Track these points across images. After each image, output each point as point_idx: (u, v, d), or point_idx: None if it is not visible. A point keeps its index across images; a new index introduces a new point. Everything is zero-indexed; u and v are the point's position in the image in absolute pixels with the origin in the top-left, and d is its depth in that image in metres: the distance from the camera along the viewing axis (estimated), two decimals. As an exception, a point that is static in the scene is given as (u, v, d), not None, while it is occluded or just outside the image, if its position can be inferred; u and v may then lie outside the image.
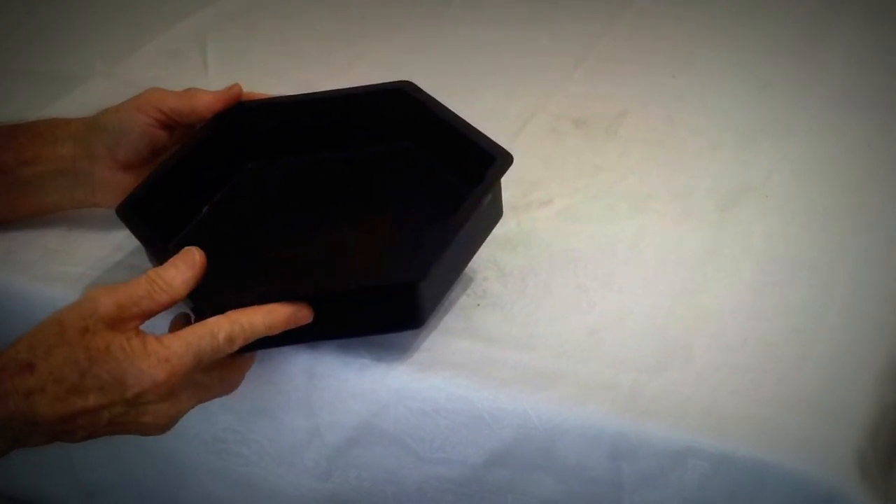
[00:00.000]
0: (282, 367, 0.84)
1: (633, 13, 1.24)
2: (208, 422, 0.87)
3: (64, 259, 0.92)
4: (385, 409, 0.82)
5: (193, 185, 0.90)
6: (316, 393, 0.83)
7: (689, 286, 0.86)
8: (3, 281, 0.91)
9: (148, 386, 0.71)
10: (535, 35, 1.21)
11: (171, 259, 0.76)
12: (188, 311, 0.77)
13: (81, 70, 1.18)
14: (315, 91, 0.94)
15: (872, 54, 1.14)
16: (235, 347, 0.74)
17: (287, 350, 0.82)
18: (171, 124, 0.90)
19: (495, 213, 0.86)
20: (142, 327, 0.73)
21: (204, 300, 0.75)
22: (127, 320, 0.72)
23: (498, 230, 0.87)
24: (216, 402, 0.78)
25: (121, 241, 0.92)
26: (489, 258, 0.89)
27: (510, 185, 0.88)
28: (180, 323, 0.76)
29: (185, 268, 0.75)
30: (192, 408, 0.75)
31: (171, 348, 0.71)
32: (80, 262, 0.92)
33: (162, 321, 0.76)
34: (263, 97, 0.93)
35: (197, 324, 0.73)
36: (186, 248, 0.76)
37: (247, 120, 0.92)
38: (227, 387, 0.78)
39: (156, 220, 0.84)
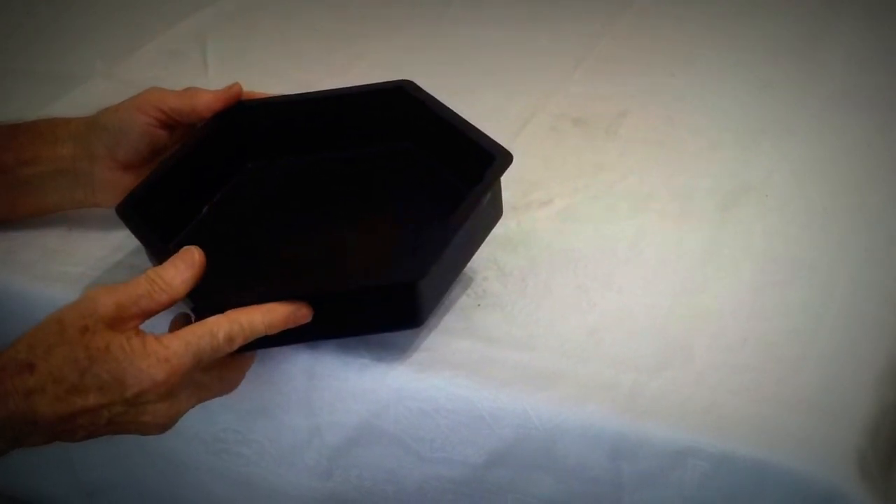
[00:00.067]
0: (282, 367, 0.84)
1: (633, 13, 1.24)
2: (208, 422, 0.87)
3: (64, 259, 0.92)
4: (385, 409, 0.82)
5: (193, 185, 0.90)
6: (316, 393, 0.83)
7: (689, 286, 0.86)
8: (3, 281, 0.91)
9: (147, 385, 0.71)
10: (535, 35, 1.21)
11: (171, 258, 0.76)
12: (188, 312, 0.77)
13: (81, 70, 1.18)
14: (315, 90, 0.94)
15: (872, 54, 1.14)
16: (235, 347, 0.74)
17: (287, 350, 0.82)
18: (172, 124, 0.90)
19: (495, 213, 0.86)
20: (142, 327, 0.73)
21: (204, 300, 0.75)
22: (126, 320, 0.72)
23: (498, 230, 0.87)
24: (216, 401, 0.78)
25: (121, 242, 0.92)
26: (489, 258, 0.89)
27: (510, 184, 0.88)
28: (180, 323, 0.76)
29: (184, 267, 0.75)
30: (192, 407, 0.75)
31: (170, 348, 0.71)
32: (80, 262, 0.92)
33: (162, 321, 0.76)
34: (263, 97, 0.93)
35: (196, 323, 0.73)
36: (186, 247, 0.76)
37: (247, 119, 0.92)
38: (227, 386, 0.78)
39: (156, 219, 0.84)
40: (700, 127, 1.04)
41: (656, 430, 0.76)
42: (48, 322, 0.72)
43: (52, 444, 0.72)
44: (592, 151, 1.02)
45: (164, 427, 0.74)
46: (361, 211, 0.90)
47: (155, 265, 0.76)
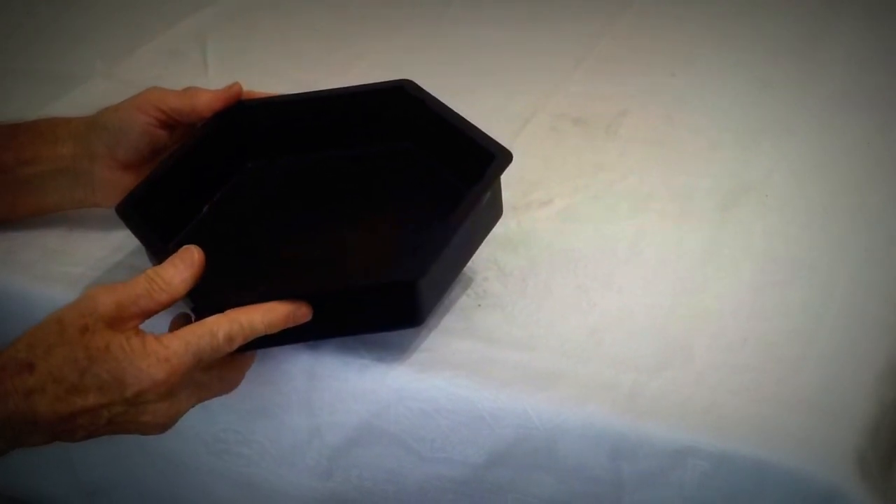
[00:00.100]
0: (282, 367, 0.84)
1: (633, 13, 1.24)
2: (209, 422, 0.87)
3: (64, 259, 0.92)
4: (386, 409, 0.82)
5: (193, 185, 0.90)
6: (317, 393, 0.83)
7: (689, 286, 0.86)
8: (4, 281, 0.91)
9: (147, 385, 0.71)
10: (535, 35, 1.21)
11: (170, 258, 0.76)
12: (188, 311, 0.77)
13: (81, 70, 1.18)
14: (315, 90, 0.94)
15: (872, 54, 1.14)
16: (235, 346, 0.74)
17: (288, 350, 0.82)
18: (172, 123, 0.90)
19: (495, 212, 0.86)
20: (142, 328, 0.73)
21: (204, 299, 0.75)
22: (126, 319, 0.72)
23: (498, 230, 0.87)
24: (217, 401, 0.78)
25: (121, 242, 0.92)
26: (489, 258, 0.89)
27: (510, 184, 0.88)
28: (180, 323, 0.76)
29: (183, 266, 0.75)
30: (192, 407, 0.75)
31: (170, 348, 0.71)
32: (81, 263, 0.92)
33: (162, 321, 0.76)
34: (263, 96, 0.93)
35: (196, 323, 0.73)
36: (185, 246, 0.76)
37: (247, 119, 0.92)
38: (227, 386, 0.78)
39: (156, 219, 0.84)
40: (700, 127, 1.04)
41: (656, 429, 0.76)
42: (48, 322, 0.72)
43: (52, 444, 0.72)
44: (592, 151, 1.02)
45: (164, 427, 0.74)
46: (362, 210, 0.90)
47: (155, 265, 0.76)
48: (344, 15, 1.28)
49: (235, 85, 0.91)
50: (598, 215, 0.94)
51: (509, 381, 0.79)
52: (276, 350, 0.81)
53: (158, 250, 0.80)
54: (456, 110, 0.89)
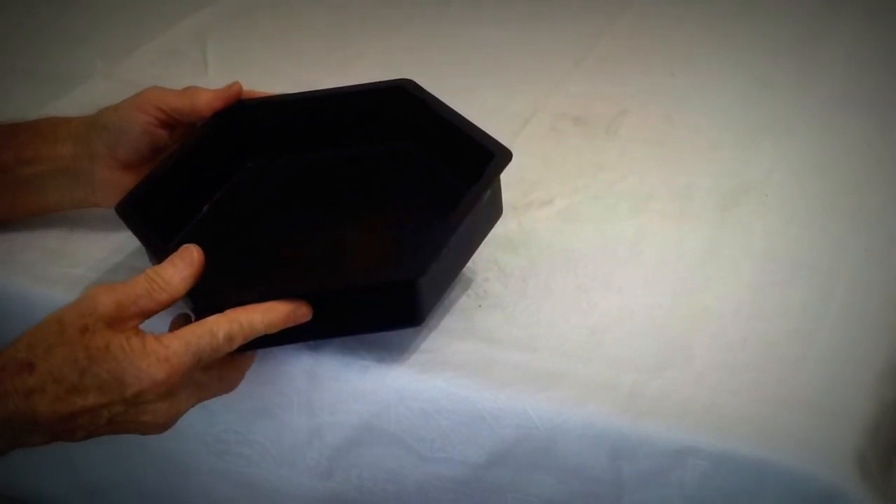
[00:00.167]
0: (283, 368, 0.84)
1: (633, 13, 1.24)
2: (209, 422, 0.87)
3: (64, 260, 0.92)
4: (386, 410, 0.82)
5: (193, 184, 0.90)
6: (317, 394, 0.83)
7: (689, 286, 0.86)
8: (4, 282, 0.91)
9: (147, 385, 0.71)
10: (535, 35, 1.21)
11: (170, 257, 0.76)
12: (188, 312, 0.77)
13: (81, 70, 1.18)
14: (315, 89, 0.94)
15: (872, 54, 1.14)
16: (235, 346, 0.74)
17: (288, 351, 0.82)
18: (172, 123, 0.90)
19: (495, 211, 0.86)
20: (142, 328, 0.73)
21: (203, 299, 0.75)
22: (126, 319, 0.72)
23: (499, 230, 0.87)
24: (217, 402, 0.78)
25: (122, 243, 0.92)
26: (490, 258, 0.89)
27: (511, 184, 0.88)
28: (180, 323, 0.76)
29: (183, 266, 0.75)
30: (192, 407, 0.75)
31: (170, 347, 0.71)
32: (81, 264, 0.92)
33: (162, 321, 0.76)
34: (263, 96, 0.93)
35: (196, 323, 0.73)
36: (184, 245, 0.76)
37: (247, 118, 0.92)
38: (227, 386, 0.78)
39: (156, 218, 0.84)
40: (700, 127, 1.04)
41: (656, 429, 0.76)
42: (48, 322, 0.72)
43: (52, 444, 0.72)
44: (592, 151, 1.02)
45: (164, 427, 0.74)
46: (361, 210, 0.90)
47: (154, 265, 0.76)
48: (344, 15, 1.28)
49: (235, 84, 0.91)
50: (599, 215, 0.94)
51: (509, 382, 0.79)
52: (276, 350, 0.81)
53: (158, 250, 0.80)
54: (456, 110, 0.89)
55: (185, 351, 0.71)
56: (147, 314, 0.73)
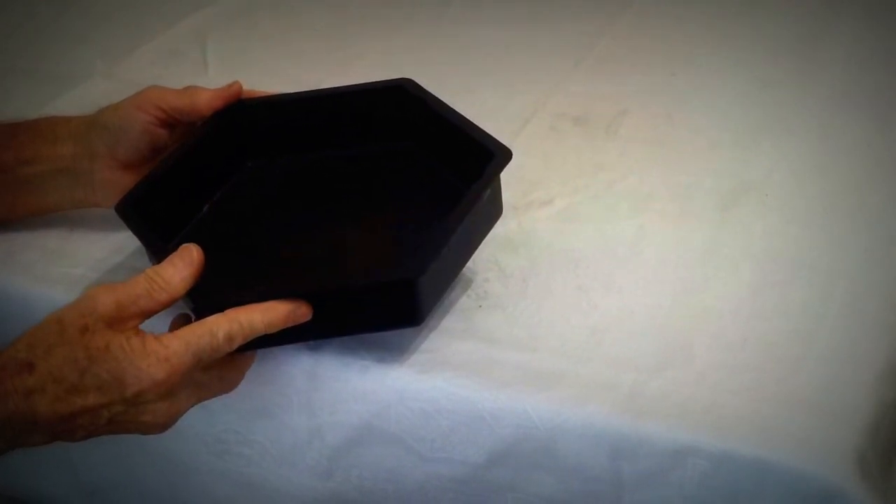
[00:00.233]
0: (283, 368, 0.84)
1: (633, 13, 1.24)
2: (210, 422, 0.87)
3: (64, 260, 0.92)
4: (386, 410, 0.82)
5: (193, 184, 0.90)
6: (317, 394, 0.83)
7: (689, 286, 0.86)
8: (4, 282, 0.91)
9: (147, 385, 0.71)
10: (535, 35, 1.21)
11: (169, 257, 0.75)
12: (188, 312, 0.77)
13: (81, 70, 1.18)
14: (315, 89, 0.94)
15: (872, 54, 1.14)
16: (235, 346, 0.74)
17: (288, 351, 0.82)
18: (172, 122, 0.90)
19: (495, 211, 0.86)
20: (142, 328, 0.73)
21: (203, 299, 0.75)
22: (126, 319, 0.72)
23: (499, 230, 0.87)
24: (217, 402, 0.78)
25: (122, 243, 0.92)
26: (490, 259, 0.89)
27: (510, 184, 0.88)
28: (180, 323, 0.76)
29: (182, 265, 0.75)
30: (192, 407, 0.75)
31: (170, 347, 0.71)
32: (81, 264, 0.92)
33: (162, 321, 0.76)
34: (264, 95, 0.93)
35: (196, 323, 0.73)
36: (184, 245, 0.76)
37: (247, 118, 0.92)
38: (227, 385, 0.78)
39: (155, 218, 0.84)
40: (700, 126, 1.04)
41: (656, 429, 0.76)
42: (48, 321, 0.72)
43: (52, 444, 0.72)
44: (592, 151, 1.02)
45: (164, 426, 0.74)
46: (361, 210, 0.90)
47: (154, 265, 0.76)
48: (344, 15, 1.28)
49: (235, 84, 0.91)
50: (599, 215, 0.94)
51: (509, 382, 0.79)
52: (276, 350, 0.81)
53: (158, 250, 0.80)
54: (456, 110, 0.89)
55: (185, 351, 0.71)
56: (147, 314, 0.73)
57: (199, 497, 0.91)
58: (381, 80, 0.93)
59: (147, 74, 1.13)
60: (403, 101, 0.91)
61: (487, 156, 0.84)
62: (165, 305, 0.74)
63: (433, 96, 0.91)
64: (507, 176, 0.84)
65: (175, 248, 0.76)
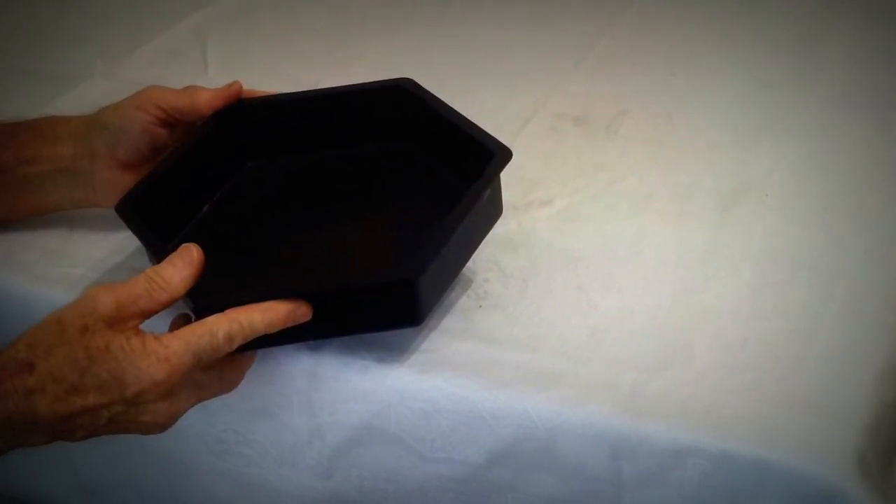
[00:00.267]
0: (283, 368, 0.84)
1: (633, 13, 1.24)
2: (209, 422, 0.87)
3: (64, 260, 0.92)
4: (386, 410, 0.82)
5: (193, 184, 0.90)
6: (317, 394, 0.83)
7: (689, 286, 0.87)
8: (4, 282, 0.91)
9: (147, 385, 0.71)
10: (535, 35, 1.21)
11: (169, 257, 0.75)
12: (188, 312, 0.77)
13: (81, 70, 1.18)
14: (315, 89, 0.94)
15: (872, 54, 1.14)
16: (235, 346, 0.74)
17: (288, 351, 0.82)
18: (172, 122, 0.90)
19: (495, 211, 0.86)
20: (142, 328, 0.73)
21: (203, 299, 0.75)
22: (126, 319, 0.72)
23: (499, 230, 0.87)
24: (217, 402, 0.78)
25: (122, 243, 0.92)
26: (490, 259, 0.89)
27: (510, 184, 0.88)
28: (180, 323, 0.76)
29: (182, 265, 0.75)
30: (192, 407, 0.75)
31: (170, 347, 0.71)
32: (81, 264, 0.92)
33: (162, 321, 0.76)
34: (264, 95, 0.93)
35: (196, 323, 0.73)
36: (184, 245, 0.76)
37: (247, 118, 0.92)
38: (227, 385, 0.78)
39: (155, 218, 0.84)
40: (700, 126, 1.04)
41: (656, 429, 0.76)
42: (48, 321, 0.72)
43: (52, 444, 0.72)
44: (592, 151, 1.02)
45: (164, 426, 0.74)
46: (361, 210, 0.90)
47: (154, 265, 0.76)
48: (344, 15, 1.28)
49: (235, 83, 0.91)
50: (599, 215, 0.94)
51: (509, 382, 0.79)
52: (276, 350, 0.81)
53: (158, 250, 0.80)
54: (456, 109, 0.89)
55: (185, 351, 0.71)
56: (147, 314, 0.73)
57: (199, 497, 0.91)
58: (381, 80, 0.93)
59: (147, 74, 1.13)
60: (403, 101, 0.91)
61: (487, 156, 0.84)
62: (165, 305, 0.74)
63: (433, 96, 0.91)
64: (507, 176, 0.84)
65: (175, 248, 0.76)
